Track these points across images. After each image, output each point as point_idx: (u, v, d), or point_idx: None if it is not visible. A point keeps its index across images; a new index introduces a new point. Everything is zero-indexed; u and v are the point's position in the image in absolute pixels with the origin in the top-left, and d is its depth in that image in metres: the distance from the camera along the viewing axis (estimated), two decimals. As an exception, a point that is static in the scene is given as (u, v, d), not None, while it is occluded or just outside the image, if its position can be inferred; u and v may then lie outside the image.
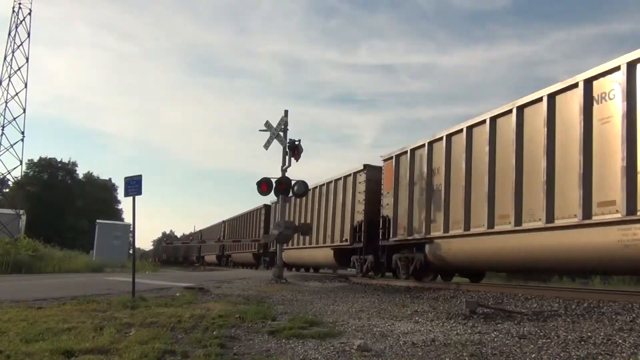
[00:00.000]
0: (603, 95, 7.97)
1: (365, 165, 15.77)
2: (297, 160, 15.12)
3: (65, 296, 8.33)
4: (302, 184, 15.13)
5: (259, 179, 14.75)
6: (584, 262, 8.42)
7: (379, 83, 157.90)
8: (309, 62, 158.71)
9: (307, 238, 19.24)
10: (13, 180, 46.51)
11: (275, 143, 15.36)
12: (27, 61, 37.03)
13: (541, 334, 5.02)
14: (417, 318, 6.46)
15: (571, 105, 8.47)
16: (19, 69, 36.65)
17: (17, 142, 36.39)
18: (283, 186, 14.81)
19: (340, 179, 17.38)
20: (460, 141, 11.32)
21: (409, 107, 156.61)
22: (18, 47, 36.89)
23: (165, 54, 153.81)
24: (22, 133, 36.23)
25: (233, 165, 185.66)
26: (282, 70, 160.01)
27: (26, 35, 37.27)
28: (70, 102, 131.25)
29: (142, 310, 6.63)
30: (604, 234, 7.68)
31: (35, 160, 66.02)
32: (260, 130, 15.49)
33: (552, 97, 8.89)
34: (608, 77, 7.94)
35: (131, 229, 29.72)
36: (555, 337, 4.79)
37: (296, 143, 15.06)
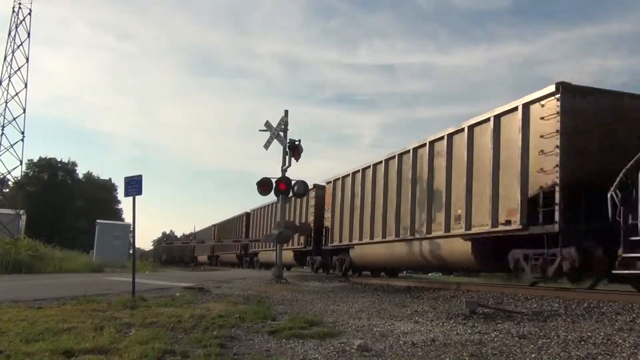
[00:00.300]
0: (439, 151, 11.86)
1: (314, 185, 19.44)
2: (297, 160, 15.12)
3: (65, 296, 8.32)
4: (302, 184, 15.13)
5: (259, 179, 14.76)
6: (425, 262, 12.88)
7: (379, 83, 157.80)
8: (309, 62, 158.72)
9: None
10: (13, 180, 46.46)
11: (276, 143, 15.35)
12: (27, 61, 36.97)
13: (541, 334, 5.02)
14: (417, 318, 6.46)
15: (424, 158, 12.34)
16: (19, 69, 36.60)
17: (17, 142, 36.34)
18: (283, 186, 14.80)
19: None
20: (369, 174, 15.10)
21: (409, 107, 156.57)
22: (18, 47, 36.85)
23: (165, 54, 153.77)
24: (22, 133, 36.18)
25: (233, 165, 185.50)
26: (282, 70, 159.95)
27: (26, 35, 37.20)
28: (70, 102, 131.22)
29: (142, 310, 6.63)
30: (438, 243, 11.71)
31: (35, 160, 66.07)
32: (260, 130, 15.49)
33: (415, 150, 12.84)
34: (441, 141, 11.81)
35: (131, 229, 29.93)
36: (555, 337, 4.80)
37: (296, 143, 15.05)
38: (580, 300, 7.40)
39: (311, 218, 19.44)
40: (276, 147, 15.42)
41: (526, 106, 9.41)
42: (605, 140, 8.71)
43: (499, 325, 5.67)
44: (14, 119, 35.89)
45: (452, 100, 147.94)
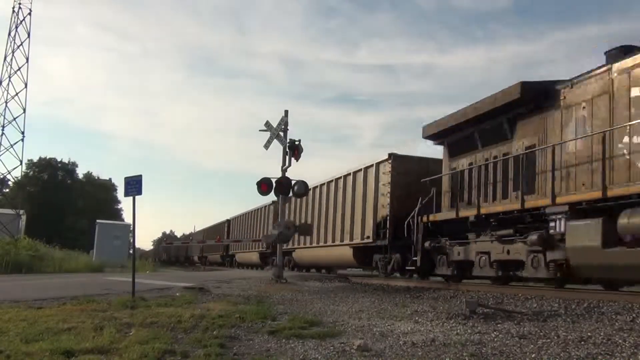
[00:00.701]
0: (340, 187, 17.34)
1: (273, 201, 23.59)
2: (297, 160, 15.06)
3: (65, 296, 8.32)
4: (302, 184, 15.10)
5: (259, 179, 14.74)
6: (332, 261, 19.22)
7: (379, 83, 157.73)
8: (309, 62, 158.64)
9: (247, 245, 29.33)
10: (13, 180, 46.46)
11: (276, 143, 15.32)
12: (27, 61, 36.98)
13: (541, 334, 5.02)
14: (417, 318, 6.46)
15: (332, 190, 18.04)
16: (19, 69, 36.60)
17: (17, 142, 36.37)
18: (283, 186, 14.80)
19: (265, 207, 26.20)
20: (303, 198, 19.54)
21: (409, 107, 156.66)
22: (18, 47, 36.86)
23: (165, 54, 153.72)
24: (22, 133, 36.21)
25: (233, 165, 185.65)
26: (282, 70, 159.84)
27: (26, 35, 37.22)
28: (70, 102, 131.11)
29: (142, 310, 6.63)
30: (338, 249, 17.08)
31: (35, 160, 65.98)
32: (260, 130, 15.45)
33: (328, 184, 18.48)
34: (340, 179, 17.54)
35: (131, 229, 30.05)
36: (555, 337, 4.80)
37: (296, 143, 15.01)
38: (580, 300, 7.40)
39: (269, 228, 24.53)
40: (276, 147, 15.41)
41: (377, 165, 14.94)
42: (416, 188, 13.18)
43: (499, 325, 5.67)
44: (14, 119, 35.94)
45: (452, 100, 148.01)
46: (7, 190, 52.93)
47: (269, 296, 9.59)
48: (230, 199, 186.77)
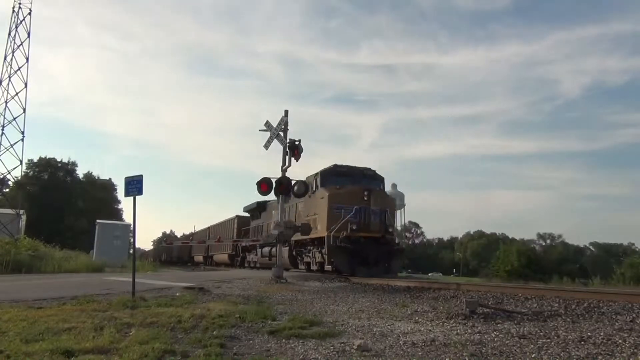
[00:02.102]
0: (220, 226, 39.47)
1: (209, 227, 42.79)
2: (297, 160, 15.11)
3: (65, 296, 8.32)
4: (302, 184, 15.12)
5: (259, 179, 14.76)
6: (224, 261, 36.37)
7: (379, 83, 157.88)
8: (309, 62, 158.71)
9: (206, 248, 41.09)
10: (13, 180, 46.43)
11: (276, 143, 15.34)
12: (27, 61, 36.81)
13: (541, 334, 5.02)
14: (417, 318, 6.46)
15: (219, 228, 38.86)
16: (19, 69, 36.44)
17: (17, 142, 36.19)
18: (283, 186, 14.80)
19: (201, 229, 46.73)
20: (210, 229, 41.78)
21: (409, 107, 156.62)
22: (18, 47, 36.71)
23: (165, 54, 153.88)
24: (22, 133, 36.03)
25: (233, 165, 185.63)
26: (282, 70, 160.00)
27: (26, 35, 37.06)
28: (70, 102, 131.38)
29: (142, 310, 6.63)
30: (224, 255, 35.60)
31: (35, 160, 66.07)
32: (260, 130, 15.48)
33: (219, 223, 40.08)
34: (222, 223, 39.33)
35: (131, 229, 30.23)
36: (555, 337, 4.80)
37: (296, 143, 15.02)
38: (580, 300, 7.40)
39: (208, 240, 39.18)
40: (276, 147, 15.43)
41: (233, 219, 33.89)
42: (245, 231, 32.13)
43: (499, 325, 5.67)
44: (14, 119, 35.75)
45: (452, 100, 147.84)
46: (7, 190, 52.91)
47: (269, 296, 9.59)
48: (230, 199, 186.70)
